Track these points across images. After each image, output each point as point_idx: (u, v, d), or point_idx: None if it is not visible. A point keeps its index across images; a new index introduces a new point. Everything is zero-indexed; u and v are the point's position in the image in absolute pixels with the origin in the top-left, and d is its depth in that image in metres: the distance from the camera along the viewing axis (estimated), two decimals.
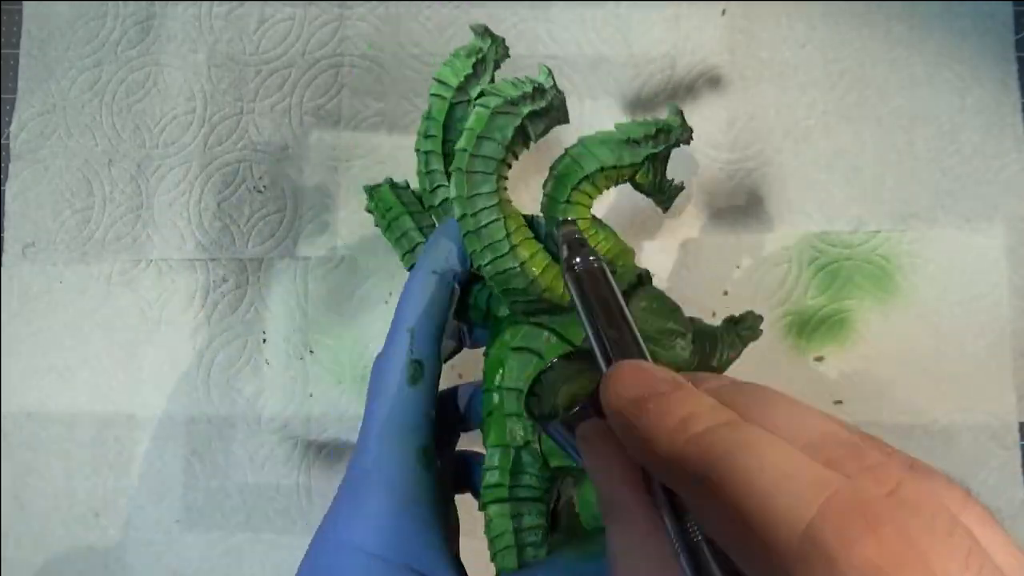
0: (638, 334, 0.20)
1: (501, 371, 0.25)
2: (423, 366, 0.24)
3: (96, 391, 0.38)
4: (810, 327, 0.37)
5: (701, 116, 0.39)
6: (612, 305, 0.20)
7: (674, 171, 0.38)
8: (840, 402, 0.36)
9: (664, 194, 0.28)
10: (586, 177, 0.25)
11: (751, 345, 0.37)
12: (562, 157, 0.26)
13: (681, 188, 0.28)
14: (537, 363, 0.24)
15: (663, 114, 0.37)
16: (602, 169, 0.25)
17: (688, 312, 0.37)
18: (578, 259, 0.22)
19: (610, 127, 0.38)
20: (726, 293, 0.37)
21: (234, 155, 0.39)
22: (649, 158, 0.26)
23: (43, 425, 0.38)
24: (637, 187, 0.27)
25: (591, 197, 0.26)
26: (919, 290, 0.37)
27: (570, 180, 0.25)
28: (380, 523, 0.23)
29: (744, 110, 0.38)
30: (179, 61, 0.40)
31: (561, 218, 0.24)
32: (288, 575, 0.36)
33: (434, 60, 0.39)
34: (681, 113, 0.27)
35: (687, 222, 0.38)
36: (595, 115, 0.39)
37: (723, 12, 0.39)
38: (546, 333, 0.25)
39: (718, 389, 0.17)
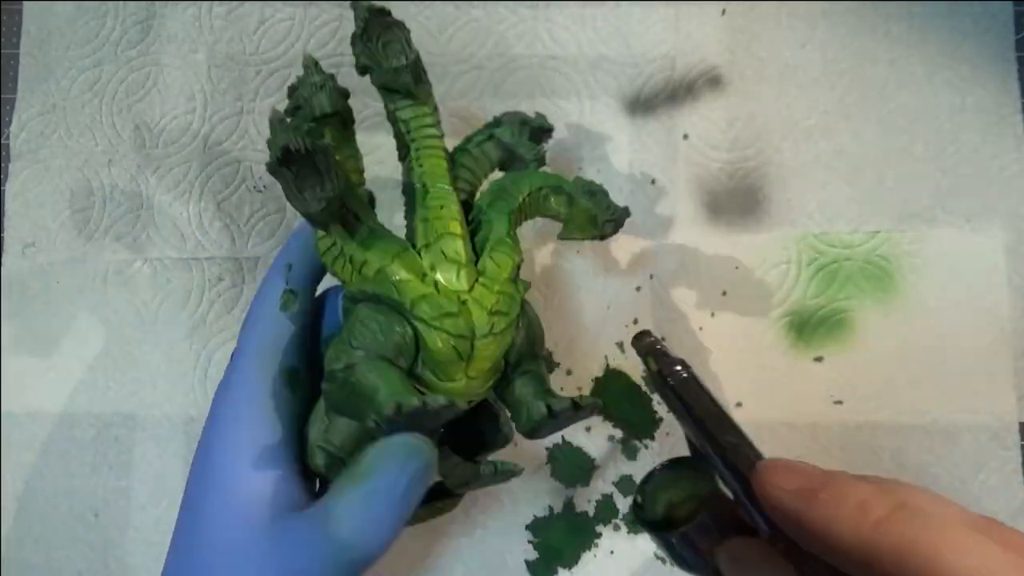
0: (748, 437, 0.21)
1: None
2: (295, 295, 0.27)
3: (95, 391, 0.38)
4: (810, 327, 0.37)
5: (701, 116, 0.38)
6: (715, 411, 0.22)
7: (674, 172, 0.38)
8: (840, 402, 0.36)
9: (607, 216, 0.32)
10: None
11: (752, 346, 0.37)
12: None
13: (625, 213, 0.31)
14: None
15: (664, 114, 0.37)
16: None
17: (686, 311, 0.37)
18: (669, 370, 0.23)
19: (611, 127, 0.38)
20: (725, 293, 0.37)
21: (234, 155, 0.39)
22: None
23: (42, 425, 0.38)
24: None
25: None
26: (919, 290, 0.37)
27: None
28: (240, 439, 0.24)
29: (744, 110, 0.38)
30: (179, 61, 0.40)
31: (638, 332, 0.26)
32: None
33: (433, 59, 0.39)
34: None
35: (686, 223, 0.38)
36: (595, 115, 0.39)
37: (723, 12, 0.39)
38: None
39: (866, 479, 0.19)
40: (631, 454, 0.37)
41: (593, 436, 0.37)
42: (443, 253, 0.25)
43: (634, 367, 0.37)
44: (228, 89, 0.40)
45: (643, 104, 0.39)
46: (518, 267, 0.27)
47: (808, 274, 0.37)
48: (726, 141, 0.38)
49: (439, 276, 0.25)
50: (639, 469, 0.36)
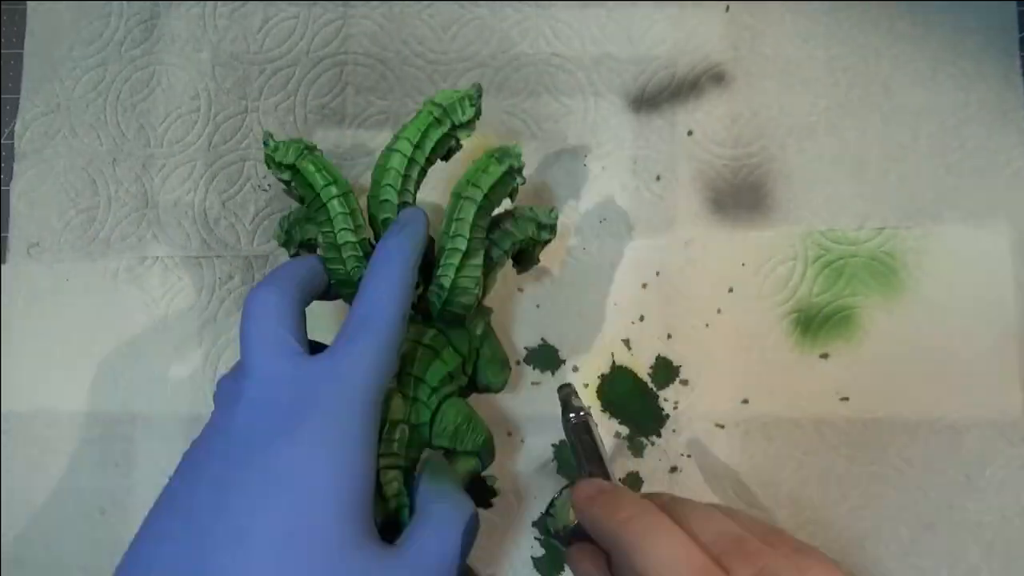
0: (610, 469, 0.29)
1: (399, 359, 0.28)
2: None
3: (103, 389, 0.38)
4: (815, 324, 0.37)
5: (705, 113, 0.39)
6: (593, 448, 0.30)
7: (678, 169, 0.38)
8: (846, 399, 0.36)
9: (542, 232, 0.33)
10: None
11: (758, 342, 0.37)
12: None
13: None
14: (436, 361, 0.29)
15: (668, 111, 0.38)
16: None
17: (692, 308, 0.37)
18: (572, 415, 0.30)
19: (615, 124, 0.38)
20: (731, 290, 0.37)
21: (238, 154, 0.39)
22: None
23: (49, 423, 0.38)
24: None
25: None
26: (925, 287, 0.37)
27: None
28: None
29: (748, 107, 0.39)
30: (183, 60, 0.40)
31: (560, 384, 0.33)
32: None
33: (437, 58, 0.39)
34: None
35: (691, 219, 0.38)
36: (599, 113, 0.39)
37: (727, 9, 0.39)
38: (444, 339, 0.30)
39: (658, 496, 0.26)
40: (637, 451, 0.37)
41: (599, 433, 0.37)
42: None
43: (640, 364, 0.37)
44: (232, 88, 0.40)
45: (647, 101, 0.39)
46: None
47: (814, 271, 0.37)
48: (730, 138, 0.38)
49: None
50: (645, 466, 0.36)
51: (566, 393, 0.32)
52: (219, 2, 0.40)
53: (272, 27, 0.40)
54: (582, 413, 0.31)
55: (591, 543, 0.27)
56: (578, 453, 0.30)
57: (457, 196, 0.29)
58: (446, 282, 0.29)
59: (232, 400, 0.25)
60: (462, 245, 0.29)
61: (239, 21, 0.40)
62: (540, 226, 0.32)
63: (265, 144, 0.30)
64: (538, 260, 0.34)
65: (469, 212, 0.29)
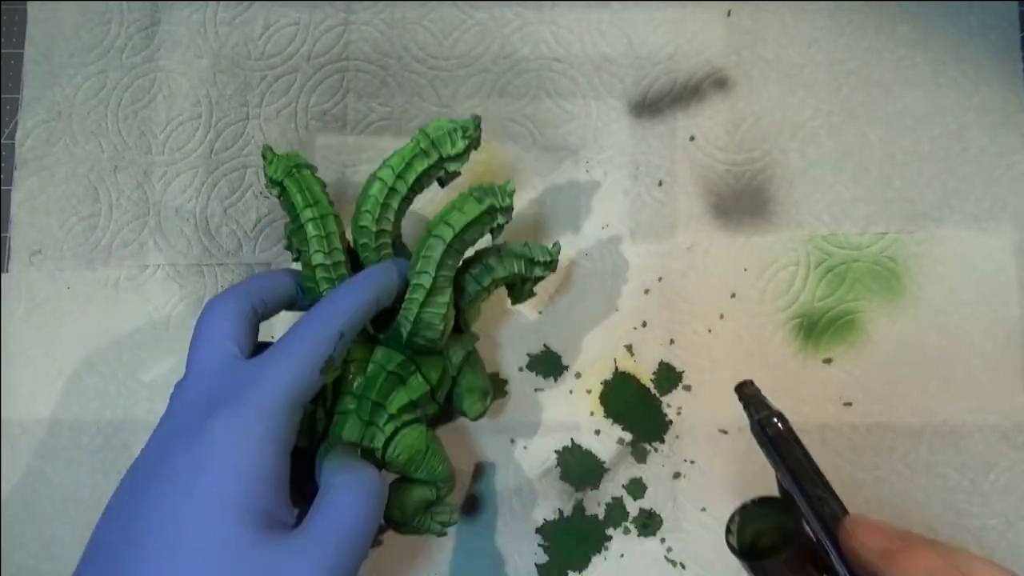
0: (834, 490, 0.24)
1: (363, 382, 0.30)
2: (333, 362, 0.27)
3: (104, 397, 0.38)
4: (819, 329, 0.37)
5: (707, 117, 0.38)
6: (806, 464, 0.25)
7: (680, 173, 0.38)
8: (850, 404, 0.36)
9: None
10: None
11: (761, 348, 0.37)
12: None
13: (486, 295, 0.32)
14: (400, 388, 0.30)
15: (669, 116, 0.38)
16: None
17: (695, 313, 0.37)
18: (766, 421, 0.26)
19: (617, 129, 0.38)
20: (734, 296, 0.37)
21: (240, 160, 0.39)
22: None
23: (51, 431, 0.38)
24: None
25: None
26: (928, 291, 0.37)
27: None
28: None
29: (750, 111, 0.38)
30: (184, 67, 0.40)
31: (740, 381, 0.28)
32: None
33: (438, 63, 0.39)
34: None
35: (694, 224, 0.38)
36: (600, 117, 0.39)
37: (728, 13, 0.39)
38: (413, 367, 0.31)
39: (936, 547, 0.22)
40: (640, 457, 0.37)
41: (602, 439, 0.37)
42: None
43: (643, 370, 0.37)
44: (234, 94, 0.40)
45: (649, 106, 0.39)
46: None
47: (817, 276, 0.37)
48: (732, 143, 0.38)
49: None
50: (648, 472, 0.36)
51: (751, 393, 0.27)
52: (220, 8, 0.40)
53: (273, 33, 0.40)
54: (776, 421, 0.26)
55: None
56: (791, 473, 0.25)
57: (428, 233, 0.29)
58: (409, 315, 0.29)
59: (170, 399, 0.27)
60: (426, 282, 0.29)
61: (240, 27, 0.40)
62: (532, 263, 0.32)
63: (263, 157, 0.31)
64: (533, 293, 0.34)
65: (436, 251, 0.29)
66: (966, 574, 0.21)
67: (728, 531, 0.28)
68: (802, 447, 0.25)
